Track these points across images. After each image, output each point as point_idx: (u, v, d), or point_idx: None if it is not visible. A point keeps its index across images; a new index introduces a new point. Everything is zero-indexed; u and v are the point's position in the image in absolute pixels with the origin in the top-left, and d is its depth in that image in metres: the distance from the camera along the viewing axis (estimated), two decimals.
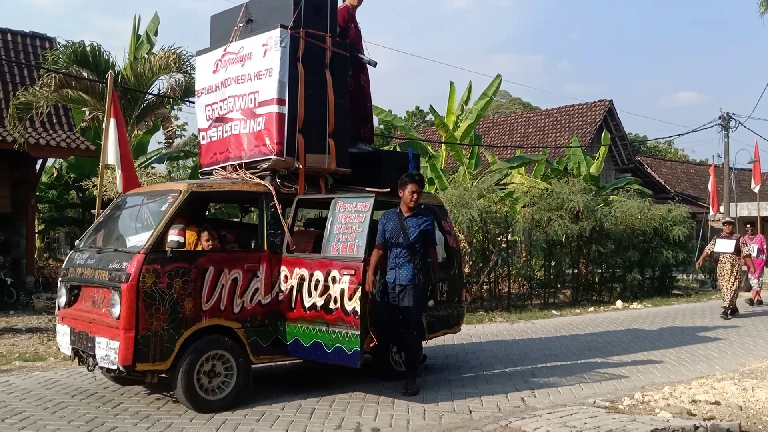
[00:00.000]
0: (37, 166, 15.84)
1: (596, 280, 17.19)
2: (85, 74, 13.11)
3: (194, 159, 25.45)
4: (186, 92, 13.41)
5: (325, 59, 6.94)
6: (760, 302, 15.47)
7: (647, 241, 17.34)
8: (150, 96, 13.33)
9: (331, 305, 6.07)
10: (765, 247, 16.07)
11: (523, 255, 16.28)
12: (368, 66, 7.92)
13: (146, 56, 13.68)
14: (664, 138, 62.47)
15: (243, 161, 6.98)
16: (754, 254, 14.91)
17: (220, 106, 7.27)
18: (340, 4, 7.66)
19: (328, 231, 6.33)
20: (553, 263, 16.18)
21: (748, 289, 16.07)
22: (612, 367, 8.21)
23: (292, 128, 6.70)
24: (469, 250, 14.88)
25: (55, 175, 21.02)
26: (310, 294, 6.27)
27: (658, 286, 18.09)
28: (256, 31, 6.95)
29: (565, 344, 9.90)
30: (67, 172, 18.81)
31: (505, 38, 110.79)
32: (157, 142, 32.31)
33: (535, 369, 8.03)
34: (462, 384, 7.19)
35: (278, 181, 6.78)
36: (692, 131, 38.17)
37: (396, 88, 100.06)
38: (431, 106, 19.67)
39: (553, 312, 14.13)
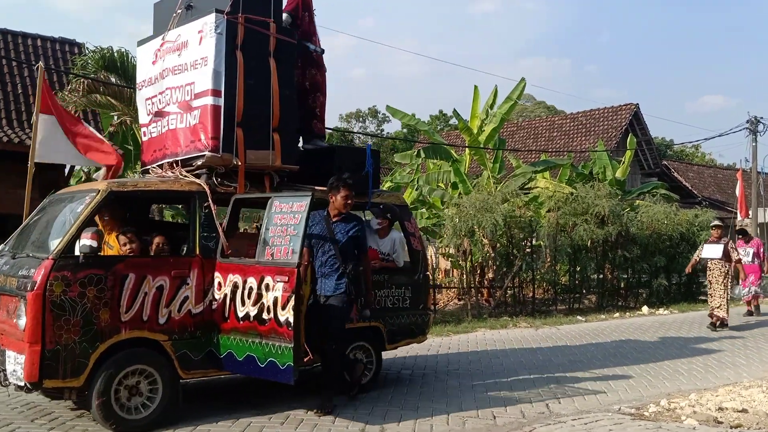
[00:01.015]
0: (66, 170, 16.10)
1: (622, 285, 17.03)
2: (113, 79, 13.31)
3: None
4: None
5: (268, 47, 6.42)
6: (751, 313, 14.43)
7: (674, 247, 17.15)
8: None
9: (264, 315, 5.56)
10: (762, 251, 15.27)
11: (548, 260, 16.19)
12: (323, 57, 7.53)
13: None
14: (690, 142, 61.83)
15: (179, 158, 6.47)
16: (748, 259, 14.10)
17: (159, 99, 6.75)
18: None
19: (263, 234, 5.82)
20: (578, 268, 16.08)
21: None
22: (638, 373, 8.13)
23: (229, 122, 6.18)
24: (493, 254, 14.85)
25: (83, 179, 21.34)
26: (243, 303, 5.74)
27: (684, 292, 17.88)
28: (195, 17, 6.43)
29: (590, 350, 9.83)
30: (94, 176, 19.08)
31: (532, 41, 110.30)
32: None
33: (560, 375, 7.98)
34: (486, 389, 7.17)
35: (215, 179, 6.26)
36: (719, 135, 37.81)
37: (420, 92, 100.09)
38: (455, 110, 19.70)
39: (579, 318, 14.03)
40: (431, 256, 24.21)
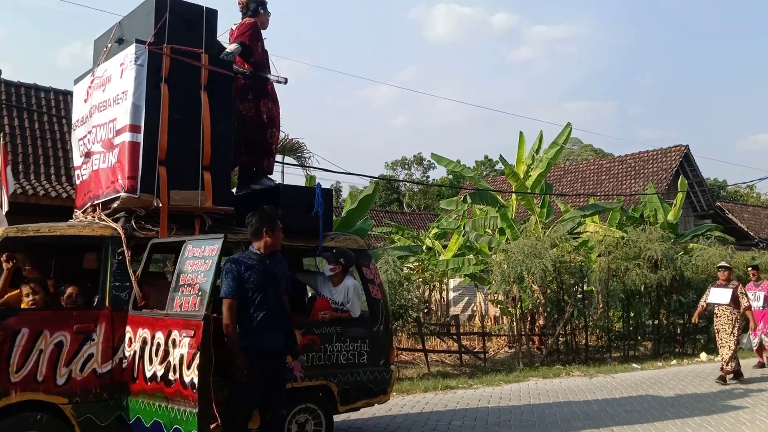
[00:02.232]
0: None
1: (678, 331, 16.53)
2: None
3: None
4: None
5: (199, 80, 5.97)
6: (763, 365, 12.75)
7: None
8: None
9: (171, 375, 4.92)
10: None
11: (601, 306, 15.84)
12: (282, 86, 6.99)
13: None
14: (744, 183, 60.28)
15: (100, 200, 6.03)
16: (759, 304, 12.35)
17: (88, 139, 6.38)
18: (246, 19, 6.97)
19: (174, 281, 5.20)
20: (632, 314, 15.69)
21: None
22: (697, 425, 7.82)
23: (150, 159, 5.69)
24: (543, 300, 14.61)
25: None
26: (151, 361, 5.12)
27: None
28: (122, 49, 6.06)
29: (647, 400, 9.50)
30: None
31: (574, 86, 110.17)
32: None
33: (616, 428, 7.72)
34: None
35: (134, 223, 5.74)
36: None
37: (464, 138, 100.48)
38: (501, 155, 19.69)
39: (634, 365, 13.62)
40: (480, 303, 24.00)
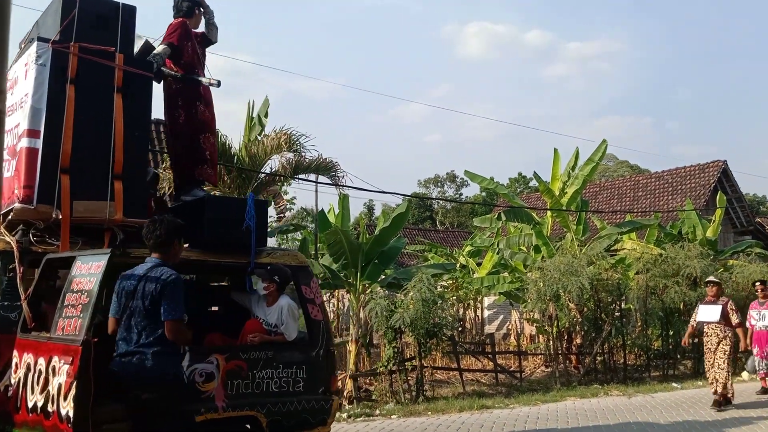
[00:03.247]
0: None
1: None
2: None
3: (302, 232, 26.29)
4: (296, 170, 14.02)
5: (112, 81, 5.49)
6: (766, 391, 11.65)
7: None
8: (263, 175, 14.01)
9: (49, 406, 4.47)
10: None
11: (639, 324, 15.60)
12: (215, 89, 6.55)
13: (259, 137, 14.45)
14: None
15: (2, 212, 5.52)
16: (764, 324, 11.52)
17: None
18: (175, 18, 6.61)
19: (60, 301, 4.76)
20: (671, 332, 15.40)
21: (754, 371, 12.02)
22: None
23: (50, 167, 5.20)
24: (580, 319, 14.45)
25: None
26: (32, 390, 4.65)
27: None
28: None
29: (688, 420, 9.32)
30: None
31: (608, 102, 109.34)
32: (269, 217, 33.82)
33: None
34: None
35: (31, 236, 5.28)
36: None
37: (497, 156, 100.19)
38: (535, 172, 19.62)
39: (674, 384, 13.36)
40: (515, 321, 23.80)
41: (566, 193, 18.75)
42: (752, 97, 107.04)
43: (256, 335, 5.71)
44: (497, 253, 20.43)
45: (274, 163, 14.26)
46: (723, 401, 10.18)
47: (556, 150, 19.29)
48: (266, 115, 15.81)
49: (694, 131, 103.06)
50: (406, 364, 13.01)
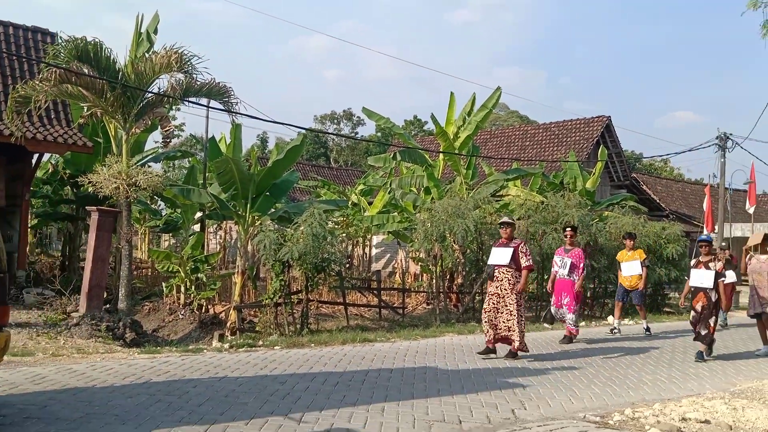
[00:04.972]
0: (33, 161, 15.83)
1: (588, 295, 17.18)
2: (86, 70, 13.10)
3: (190, 159, 25.42)
4: (186, 92, 13.39)
5: None
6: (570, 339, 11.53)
7: None
8: (149, 94, 13.30)
9: None
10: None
11: None
12: None
13: (148, 55, 13.66)
14: (660, 156, 62.74)
15: None
16: (564, 272, 11.72)
17: None
18: None
19: None
20: (545, 276, 16.18)
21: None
22: (603, 382, 8.20)
23: None
24: (463, 260, 14.89)
25: (50, 171, 20.98)
26: None
27: (650, 303, 18.05)
28: None
29: (556, 358, 9.89)
30: (63, 168, 18.76)
31: (508, 52, 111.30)
32: (153, 141, 32.42)
33: (527, 381, 8.01)
34: (452, 392, 7.16)
35: None
36: (689, 150, 38.02)
37: (396, 97, 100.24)
38: (432, 114, 19.77)
39: (545, 326, 14.12)
40: (401, 260, 24.30)
41: (459, 137, 19.04)
42: (639, 58, 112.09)
43: None
44: (389, 193, 20.62)
45: (162, 83, 13.57)
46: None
47: (452, 94, 19.49)
48: (155, 32, 14.95)
49: (584, 87, 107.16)
50: (292, 297, 13.01)
